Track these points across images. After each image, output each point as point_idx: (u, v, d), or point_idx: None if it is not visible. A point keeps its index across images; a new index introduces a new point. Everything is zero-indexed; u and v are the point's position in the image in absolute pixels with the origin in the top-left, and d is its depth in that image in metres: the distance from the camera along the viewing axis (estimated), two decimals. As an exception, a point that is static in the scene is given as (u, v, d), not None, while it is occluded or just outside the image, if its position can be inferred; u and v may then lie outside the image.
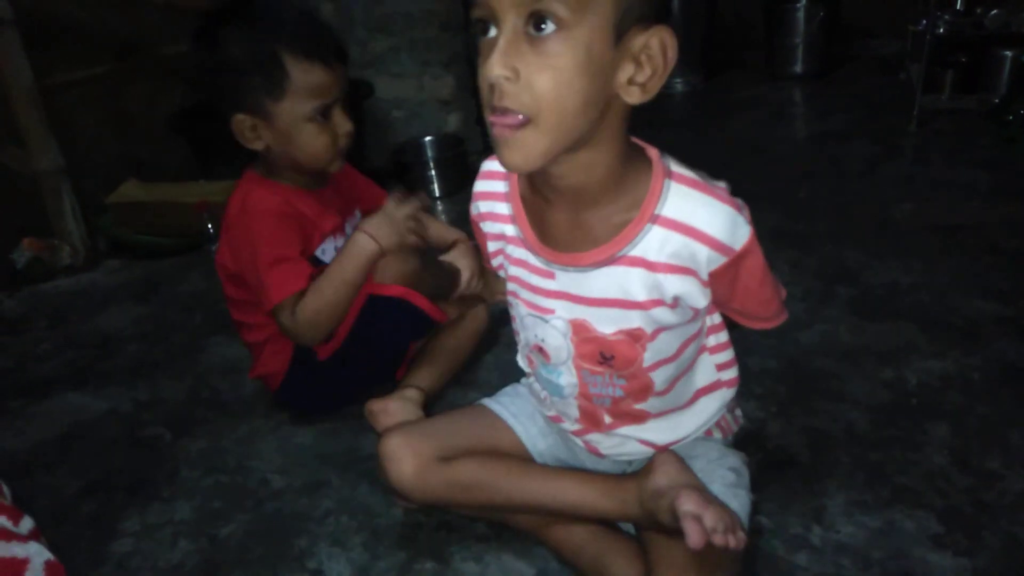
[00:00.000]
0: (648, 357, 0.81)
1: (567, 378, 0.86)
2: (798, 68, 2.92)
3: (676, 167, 0.75)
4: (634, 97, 0.67)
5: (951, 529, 0.93)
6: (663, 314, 0.78)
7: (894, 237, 1.68)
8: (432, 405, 1.24)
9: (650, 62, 0.66)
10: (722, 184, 0.76)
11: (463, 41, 2.51)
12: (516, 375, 1.01)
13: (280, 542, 1.05)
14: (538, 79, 0.63)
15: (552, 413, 0.95)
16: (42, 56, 2.00)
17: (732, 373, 0.91)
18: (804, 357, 1.28)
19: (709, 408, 0.91)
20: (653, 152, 0.76)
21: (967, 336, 1.30)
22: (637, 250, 0.74)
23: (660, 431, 0.90)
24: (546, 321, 0.83)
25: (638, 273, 0.75)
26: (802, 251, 1.65)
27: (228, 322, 1.66)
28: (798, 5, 2.81)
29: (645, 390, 0.85)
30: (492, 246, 0.88)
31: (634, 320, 0.78)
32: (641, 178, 0.74)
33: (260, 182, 1.17)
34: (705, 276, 0.75)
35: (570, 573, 0.94)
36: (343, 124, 1.11)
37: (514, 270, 0.85)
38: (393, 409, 1.15)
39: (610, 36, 0.63)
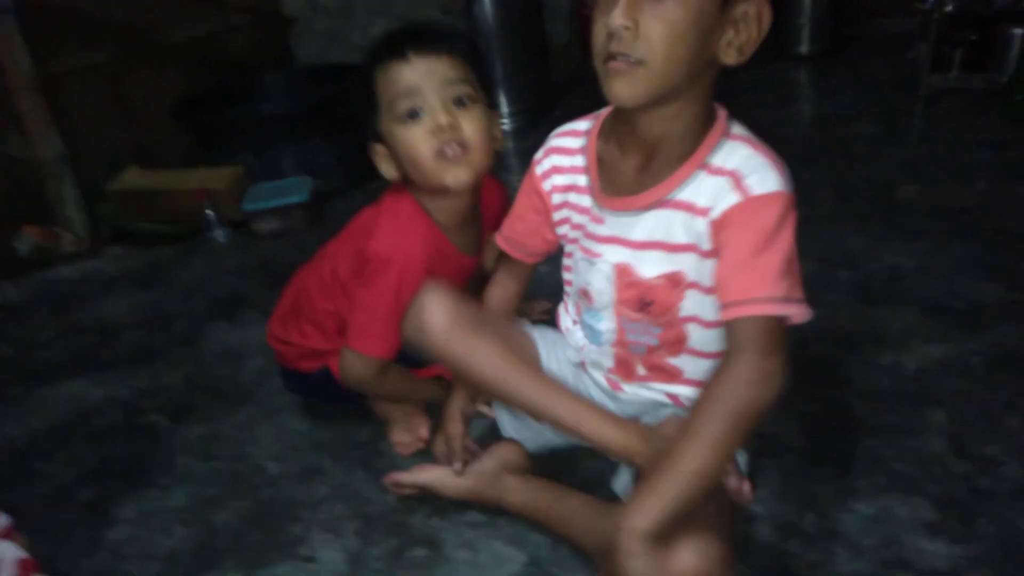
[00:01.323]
0: (685, 307, 0.85)
1: (607, 324, 0.92)
2: (805, 48, 2.87)
3: (737, 128, 0.83)
4: (731, 58, 0.76)
5: (946, 516, 0.92)
6: (695, 262, 0.82)
7: (899, 220, 1.65)
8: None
9: (747, 27, 0.75)
10: (768, 147, 0.81)
11: (466, 24, 2.48)
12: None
13: (274, 529, 1.06)
14: (654, 30, 0.73)
15: (582, 359, 0.99)
16: (43, 44, 2.00)
17: None
18: (802, 342, 1.27)
19: None
20: (722, 114, 0.83)
21: (969, 320, 1.28)
22: (684, 194, 0.81)
23: (688, 391, 0.92)
24: (593, 264, 0.90)
25: (681, 216, 0.81)
26: (805, 235, 1.58)
27: (227, 310, 1.68)
28: (805, -16, 2.76)
29: (679, 342, 0.89)
30: (556, 198, 0.94)
31: (674, 263, 0.84)
32: (707, 134, 0.81)
33: (417, 216, 1.06)
34: (717, 214, 0.78)
35: (561, 558, 0.94)
36: (435, 116, 0.97)
37: (577, 217, 0.92)
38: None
39: (718, 0, 0.73)
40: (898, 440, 1.05)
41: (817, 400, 1.15)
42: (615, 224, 0.87)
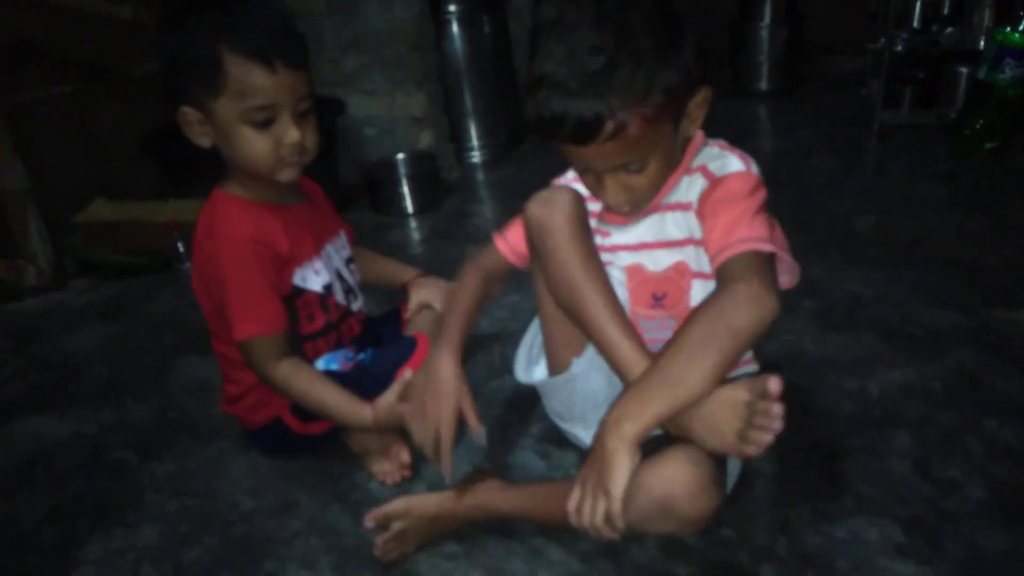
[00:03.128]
0: (695, 296, 0.93)
1: None
2: (763, 85, 2.98)
3: (715, 140, 0.94)
4: (694, 130, 0.89)
5: (913, 538, 0.95)
6: (694, 252, 0.92)
7: (856, 249, 1.71)
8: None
9: (696, 112, 0.86)
10: (741, 150, 0.92)
11: (435, 59, 2.53)
12: (490, 394, 1.00)
13: (247, 565, 1.04)
14: (641, 187, 0.87)
15: None
16: (8, 75, 1.98)
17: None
18: (769, 369, 1.30)
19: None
20: (699, 135, 0.93)
21: (928, 346, 1.33)
22: (672, 197, 0.92)
23: None
24: (608, 273, 0.96)
25: (672, 216, 0.93)
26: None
27: (197, 343, 1.65)
28: (762, 24, 2.87)
29: None
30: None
31: (677, 255, 0.94)
32: (688, 151, 0.92)
33: (230, 200, 1.11)
34: (696, 203, 0.89)
35: (539, 590, 0.94)
36: (288, 134, 1.03)
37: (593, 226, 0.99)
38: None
39: (673, 133, 0.85)
40: (865, 463, 1.08)
41: (786, 425, 1.17)
42: (618, 234, 0.97)
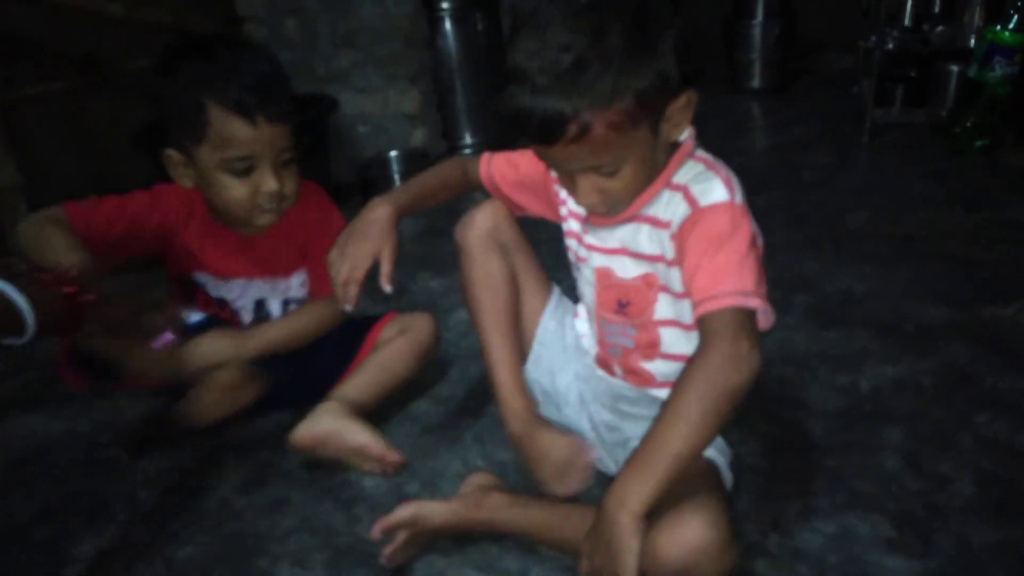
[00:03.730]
0: (659, 310, 0.94)
1: (591, 325, 1.03)
2: (756, 82, 2.99)
3: (701, 152, 0.90)
4: (678, 135, 0.87)
5: (904, 532, 0.96)
6: (663, 270, 0.91)
7: (849, 245, 1.72)
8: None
9: (678, 115, 0.84)
10: (728, 169, 0.89)
11: (428, 56, 2.52)
12: (482, 391, 1.01)
13: (240, 563, 1.04)
14: (614, 191, 0.85)
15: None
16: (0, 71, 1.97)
17: None
18: (762, 365, 1.31)
19: None
20: (690, 138, 0.90)
21: (919, 342, 1.34)
22: (651, 210, 0.90)
23: (662, 394, 0.95)
24: (579, 270, 1.01)
25: (647, 229, 0.91)
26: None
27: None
28: (755, 22, 2.88)
29: (652, 345, 0.96)
30: (562, 209, 1.03)
31: (646, 267, 0.93)
32: (672, 160, 0.89)
33: (188, 199, 1.18)
34: (675, 227, 0.87)
35: (533, 585, 0.94)
36: (266, 183, 1.08)
37: (575, 225, 1.01)
38: (320, 433, 1.12)
39: (650, 136, 0.82)
40: (856, 459, 1.08)
41: (777, 421, 1.18)
42: (595, 235, 0.97)
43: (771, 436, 1.15)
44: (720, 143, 0.93)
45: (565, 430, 1.05)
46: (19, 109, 2.07)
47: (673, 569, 0.77)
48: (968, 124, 2.15)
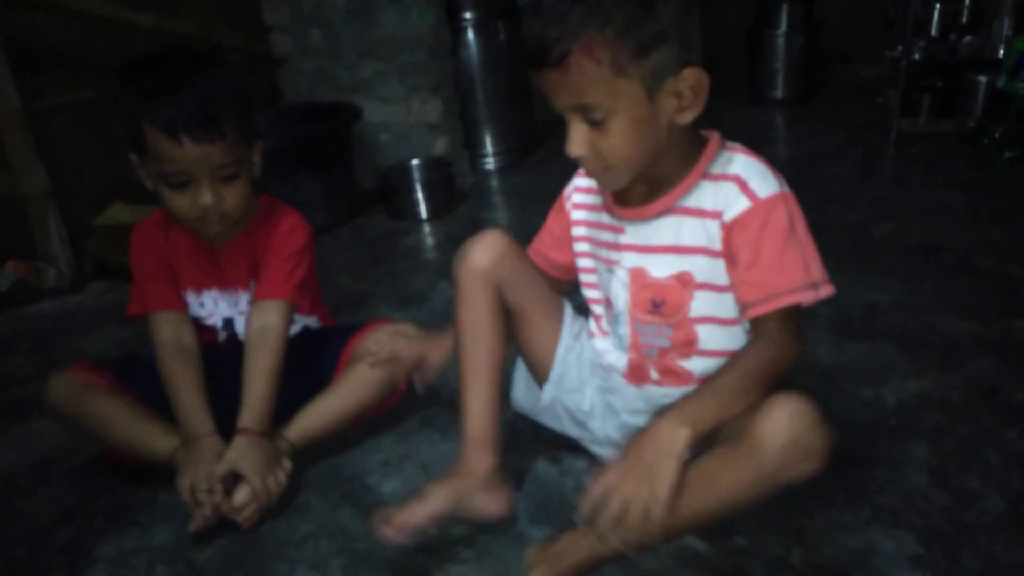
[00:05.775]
0: (695, 307, 0.94)
1: (623, 328, 1.00)
2: (779, 93, 2.98)
3: (732, 143, 0.93)
4: (687, 118, 0.86)
5: (930, 549, 0.94)
6: (706, 263, 0.91)
7: (873, 258, 1.70)
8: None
9: (686, 95, 0.84)
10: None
11: (450, 66, 2.54)
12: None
13: (258, 567, 1.04)
14: (605, 149, 0.85)
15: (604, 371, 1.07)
16: (30, 80, 2.01)
17: None
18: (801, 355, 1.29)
19: None
20: (715, 134, 0.93)
21: (945, 355, 1.31)
22: (691, 201, 0.91)
23: None
24: (612, 272, 1.00)
25: (690, 221, 0.91)
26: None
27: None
28: (778, 32, 2.87)
29: (689, 344, 0.96)
30: (577, 215, 1.06)
31: (683, 264, 0.93)
32: (703, 150, 0.91)
33: (161, 218, 1.23)
34: (729, 218, 0.88)
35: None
36: (202, 198, 1.10)
37: (597, 234, 1.02)
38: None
39: (645, 99, 0.82)
40: (881, 473, 1.07)
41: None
42: (634, 232, 0.96)
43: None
44: (743, 152, 0.95)
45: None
46: (48, 117, 2.12)
47: (780, 444, 0.78)
48: (996, 135, 2.12)
